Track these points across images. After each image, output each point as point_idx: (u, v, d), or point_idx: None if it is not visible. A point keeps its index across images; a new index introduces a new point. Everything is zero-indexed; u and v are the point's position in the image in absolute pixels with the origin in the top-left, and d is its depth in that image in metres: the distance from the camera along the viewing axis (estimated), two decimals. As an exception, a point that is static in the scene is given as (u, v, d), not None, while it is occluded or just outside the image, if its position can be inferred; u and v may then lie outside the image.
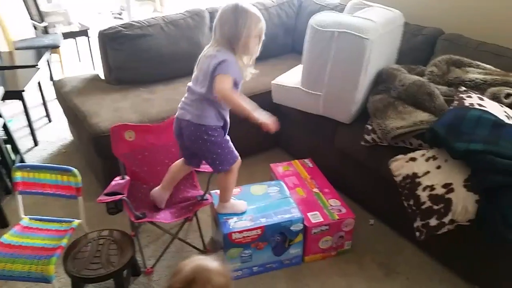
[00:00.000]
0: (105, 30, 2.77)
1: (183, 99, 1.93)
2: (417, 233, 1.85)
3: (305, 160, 2.57)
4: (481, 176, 1.72)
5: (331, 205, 2.16)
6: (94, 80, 2.97)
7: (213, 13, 3.10)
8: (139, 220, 1.90)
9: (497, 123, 1.82)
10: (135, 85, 2.82)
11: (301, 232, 2.04)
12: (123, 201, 1.88)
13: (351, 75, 2.24)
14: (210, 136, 1.85)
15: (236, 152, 1.95)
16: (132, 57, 2.81)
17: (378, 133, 2.16)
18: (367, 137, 2.26)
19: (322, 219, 2.07)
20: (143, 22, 2.86)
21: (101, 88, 2.83)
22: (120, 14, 6.39)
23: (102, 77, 3.00)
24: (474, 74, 2.21)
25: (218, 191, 2.15)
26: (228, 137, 1.95)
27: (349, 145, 2.42)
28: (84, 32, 4.47)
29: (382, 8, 2.44)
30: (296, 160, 2.56)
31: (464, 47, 2.42)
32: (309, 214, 2.09)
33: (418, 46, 2.62)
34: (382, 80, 2.40)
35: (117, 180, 2.06)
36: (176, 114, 1.93)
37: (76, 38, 4.61)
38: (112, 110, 2.51)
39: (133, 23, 2.83)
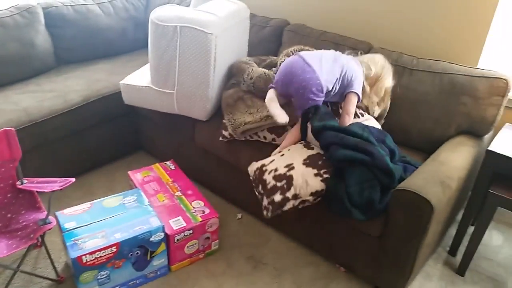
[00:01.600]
0: None
1: None
2: (264, 212, 1.90)
3: (167, 162, 2.45)
4: (333, 150, 1.82)
5: (194, 208, 2.09)
6: None
7: (47, 8, 2.76)
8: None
9: None
10: (-45, 97, 2.38)
11: (163, 242, 1.93)
12: None
13: (201, 71, 2.16)
14: None
15: None
16: None
17: (229, 128, 2.14)
18: (225, 133, 2.22)
19: (184, 224, 1.98)
20: (-43, 22, 2.42)
21: None
22: None
23: None
24: None
25: (64, 211, 1.93)
26: None
27: (209, 141, 2.36)
28: None
29: (227, 1, 2.40)
30: (157, 164, 2.43)
31: (307, 37, 2.51)
32: (170, 221, 1.98)
33: (267, 37, 2.66)
34: (233, 74, 2.38)
35: None
36: None
37: None
38: None
39: None
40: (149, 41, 2.20)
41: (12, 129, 1.82)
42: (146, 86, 2.35)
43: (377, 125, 2.08)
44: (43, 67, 2.74)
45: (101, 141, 2.67)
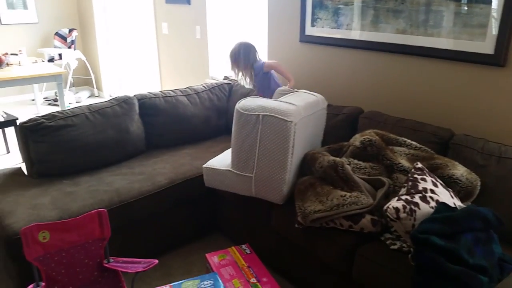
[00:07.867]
0: (25, 122, 2.64)
1: None
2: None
3: (243, 246, 2.46)
4: (427, 279, 1.64)
5: (268, 296, 2.04)
6: (14, 174, 2.77)
7: (142, 100, 3.09)
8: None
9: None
10: (58, 178, 2.65)
11: (237, 330, 1.88)
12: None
13: (279, 156, 2.24)
14: None
15: None
16: (55, 148, 2.67)
17: (298, 215, 2.14)
18: (299, 219, 2.21)
19: (259, 313, 1.93)
20: (66, 113, 2.77)
21: (21, 183, 2.63)
22: (55, 101, 6.26)
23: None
24: (402, 160, 2.26)
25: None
26: None
27: (285, 226, 2.35)
28: (11, 122, 4.28)
29: (306, 93, 2.54)
30: (233, 247, 2.44)
31: (384, 123, 2.52)
32: (245, 308, 1.95)
33: (339, 123, 2.70)
34: (306, 163, 2.43)
35: (30, 289, 1.84)
36: None
37: (5, 128, 4.43)
38: (29, 208, 2.31)
39: (55, 114, 2.73)
40: (233, 128, 2.35)
41: (105, 210, 1.98)
42: (226, 170, 2.47)
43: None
44: (135, 151, 3.01)
45: (181, 222, 2.78)
